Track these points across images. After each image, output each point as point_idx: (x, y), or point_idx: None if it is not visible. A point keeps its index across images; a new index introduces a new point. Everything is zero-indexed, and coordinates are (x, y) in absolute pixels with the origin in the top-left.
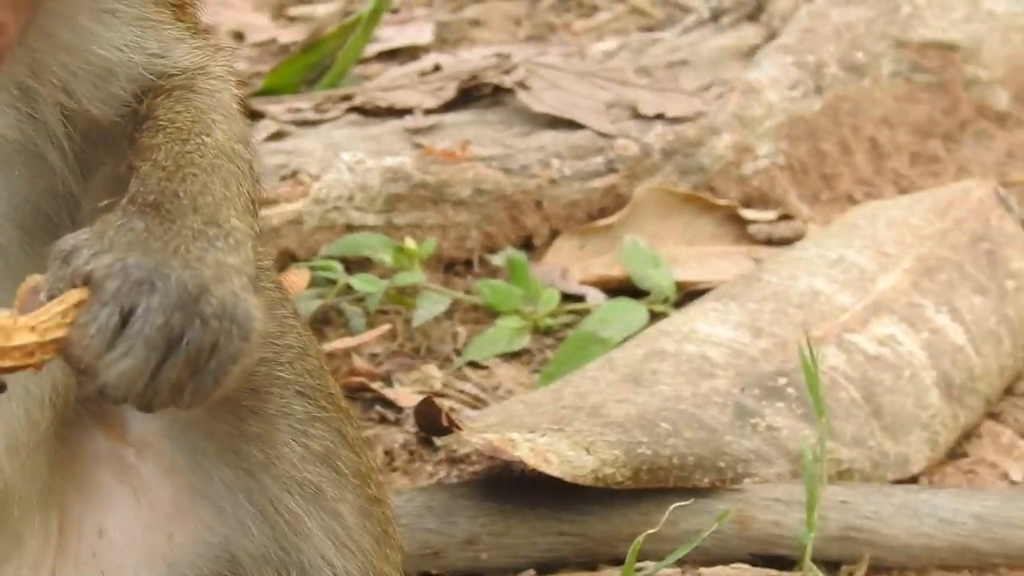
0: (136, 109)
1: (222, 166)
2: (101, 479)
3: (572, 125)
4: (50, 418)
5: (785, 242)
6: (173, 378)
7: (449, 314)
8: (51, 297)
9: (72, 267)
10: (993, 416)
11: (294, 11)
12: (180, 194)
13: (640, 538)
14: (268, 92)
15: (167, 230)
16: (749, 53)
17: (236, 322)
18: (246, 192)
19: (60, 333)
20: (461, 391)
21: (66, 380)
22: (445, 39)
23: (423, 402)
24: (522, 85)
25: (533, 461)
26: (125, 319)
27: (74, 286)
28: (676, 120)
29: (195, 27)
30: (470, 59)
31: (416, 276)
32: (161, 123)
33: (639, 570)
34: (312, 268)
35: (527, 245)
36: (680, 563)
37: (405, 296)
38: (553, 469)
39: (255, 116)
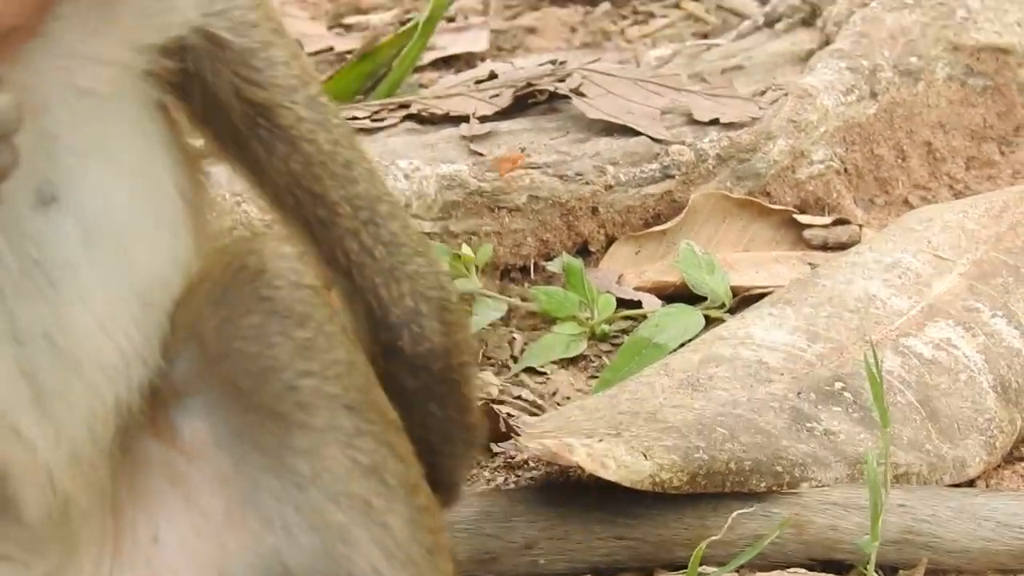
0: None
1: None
2: (154, 484)
3: (627, 131)
4: (112, 432)
5: (840, 247)
6: None
7: (506, 320)
8: None
9: None
10: None
11: (350, 20)
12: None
13: (703, 544)
14: None
15: None
16: (804, 58)
17: None
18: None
19: None
20: (518, 397)
21: (129, 395)
22: (500, 47)
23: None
24: (577, 92)
25: (591, 466)
26: None
27: None
28: (731, 126)
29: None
30: (525, 66)
31: (473, 283)
32: (315, 167)
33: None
34: None
35: (583, 251)
36: (737, 568)
37: (462, 303)
38: (610, 474)
39: None
